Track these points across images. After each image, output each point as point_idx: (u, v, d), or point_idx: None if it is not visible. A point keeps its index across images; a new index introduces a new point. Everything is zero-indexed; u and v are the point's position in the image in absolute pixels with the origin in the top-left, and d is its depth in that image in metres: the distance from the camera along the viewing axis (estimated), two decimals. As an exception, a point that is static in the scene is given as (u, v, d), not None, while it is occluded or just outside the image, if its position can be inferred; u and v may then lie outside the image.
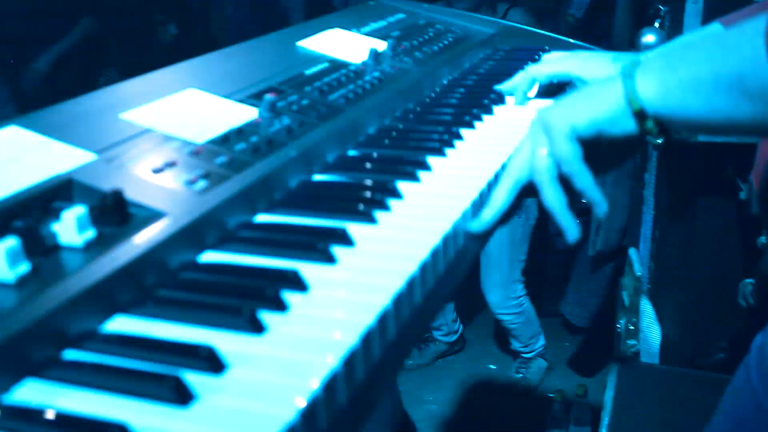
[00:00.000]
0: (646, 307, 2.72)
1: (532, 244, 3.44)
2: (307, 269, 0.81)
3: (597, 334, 3.58)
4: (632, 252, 2.79)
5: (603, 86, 0.98)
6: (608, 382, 2.57)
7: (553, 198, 0.98)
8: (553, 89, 1.44)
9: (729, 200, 2.50)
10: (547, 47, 1.78)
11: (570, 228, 0.98)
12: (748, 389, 1.16)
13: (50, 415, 0.59)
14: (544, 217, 3.55)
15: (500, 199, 1.01)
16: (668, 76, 0.92)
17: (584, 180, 0.97)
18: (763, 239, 2.31)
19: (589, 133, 0.97)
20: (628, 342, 2.76)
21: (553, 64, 1.39)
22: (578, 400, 3.24)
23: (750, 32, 0.86)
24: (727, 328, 2.56)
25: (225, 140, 1.03)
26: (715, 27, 1.35)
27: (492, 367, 3.71)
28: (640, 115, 0.94)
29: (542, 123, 0.99)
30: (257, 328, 0.71)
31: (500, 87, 1.48)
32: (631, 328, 2.73)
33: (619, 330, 2.81)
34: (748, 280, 2.49)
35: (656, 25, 2.51)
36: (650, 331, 2.70)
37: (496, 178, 1.09)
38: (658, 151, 2.55)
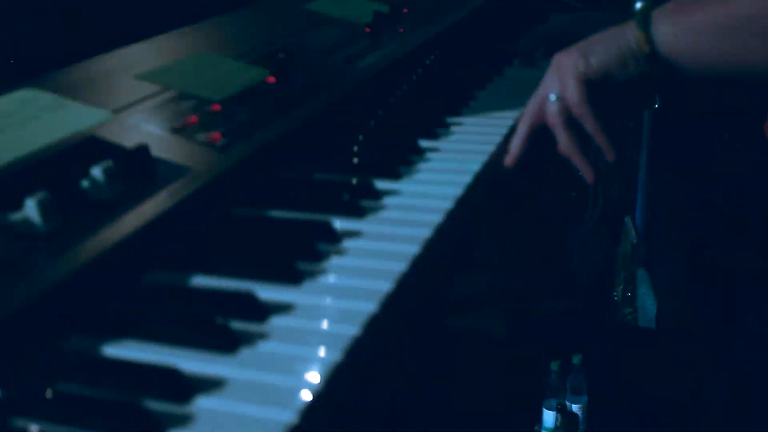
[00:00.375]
0: (642, 274, 2.74)
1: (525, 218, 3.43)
2: (337, 222, 0.81)
3: (592, 304, 3.59)
4: (627, 220, 2.80)
5: (616, 30, 0.99)
6: (606, 349, 2.59)
7: (567, 141, 0.99)
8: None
9: (725, 167, 2.51)
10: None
11: (587, 169, 1.00)
12: None
13: (101, 360, 0.59)
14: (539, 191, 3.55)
15: (518, 145, 1.02)
16: (681, 20, 0.94)
17: (593, 123, 0.99)
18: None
19: (598, 75, 0.98)
20: (624, 310, 2.78)
21: (563, 25, 1.39)
22: (574, 369, 3.25)
23: None
24: (721, 292, 2.58)
25: (241, 99, 1.02)
26: None
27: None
28: (652, 58, 0.95)
29: (555, 66, 1.00)
30: (294, 278, 0.70)
31: (510, 48, 1.48)
32: (628, 295, 2.75)
33: (615, 298, 2.83)
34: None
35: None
36: (646, 297, 2.72)
37: (511, 130, 1.09)
38: (651, 117, 2.55)
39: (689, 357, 2.34)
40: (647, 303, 2.70)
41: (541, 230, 3.76)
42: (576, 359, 3.31)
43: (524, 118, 1.03)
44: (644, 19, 0.95)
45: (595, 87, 0.99)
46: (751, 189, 2.44)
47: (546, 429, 2.46)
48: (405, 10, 1.57)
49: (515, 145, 1.03)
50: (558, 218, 3.53)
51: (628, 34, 0.97)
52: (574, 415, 2.41)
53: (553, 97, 1.00)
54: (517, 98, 1.23)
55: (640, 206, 2.71)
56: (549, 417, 2.43)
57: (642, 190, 2.70)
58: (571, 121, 1.00)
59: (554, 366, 3.17)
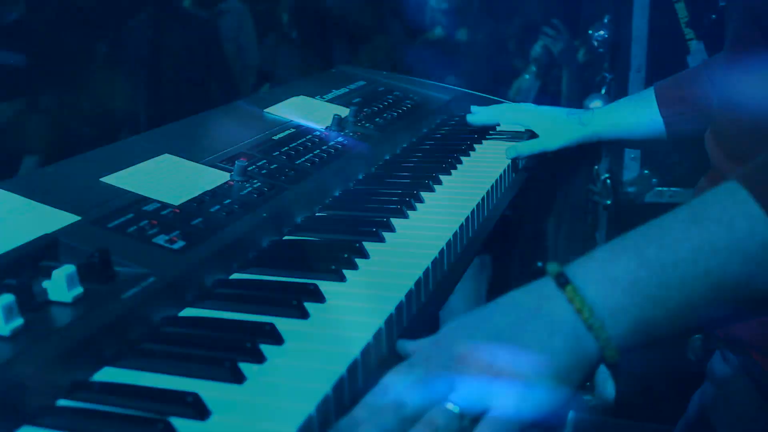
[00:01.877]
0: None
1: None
2: (281, 324, 0.87)
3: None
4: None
5: (572, 352, 0.71)
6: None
7: None
8: None
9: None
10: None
11: None
12: None
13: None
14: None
15: None
16: (653, 314, 0.73)
17: None
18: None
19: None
20: (584, 398, 2.82)
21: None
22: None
23: (735, 212, 0.71)
24: (678, 382, 2.64)
25: (200, 202, 1.09)
26: (649, 93, 1.47)
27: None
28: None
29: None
30: (238, 378, 0.76)
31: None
32: (587, 384, 2.80)
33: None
34: (697, 336, 2.59)
35: (602, 91, 2.65)
36: (605, 386, 2.78)
37: (448, 245, 1.14)
38: (607, 210, 2.65)
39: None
40: (605, 391, 2.76)
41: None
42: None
43: None
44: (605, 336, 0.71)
45: None
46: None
47: None
48: (363, 113, 1.66)
49: None
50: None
51: (591, 355, 0.71)
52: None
53: (456, 409, 0.69)
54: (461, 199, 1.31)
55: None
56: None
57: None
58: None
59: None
